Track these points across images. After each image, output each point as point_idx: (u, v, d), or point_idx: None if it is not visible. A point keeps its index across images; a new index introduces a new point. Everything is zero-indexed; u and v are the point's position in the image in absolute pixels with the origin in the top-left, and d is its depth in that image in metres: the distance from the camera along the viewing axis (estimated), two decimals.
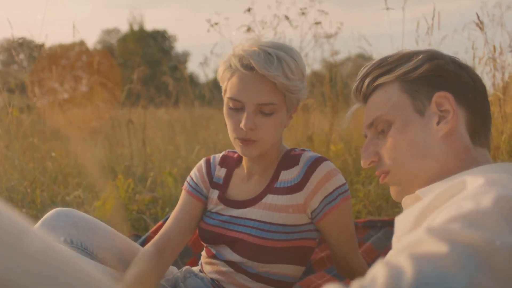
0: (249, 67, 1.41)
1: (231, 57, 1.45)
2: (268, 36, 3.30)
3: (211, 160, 1.72)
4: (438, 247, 0.64)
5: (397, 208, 2.66)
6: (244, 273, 1.51)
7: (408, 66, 1.08)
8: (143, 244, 2.04)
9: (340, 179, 1.48)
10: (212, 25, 3.23)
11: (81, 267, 0.61)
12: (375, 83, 1.14)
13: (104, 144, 4.11)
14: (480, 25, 2.98)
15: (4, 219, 0.55)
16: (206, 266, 1.62)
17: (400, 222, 0.93)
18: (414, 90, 1.07)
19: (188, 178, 1.72)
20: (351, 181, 3.11)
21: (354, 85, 1.21)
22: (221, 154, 1.74)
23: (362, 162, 1.17)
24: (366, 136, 1.19)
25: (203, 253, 1.68)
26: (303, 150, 1.55)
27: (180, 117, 5.68)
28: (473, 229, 0.66)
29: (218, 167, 1.69)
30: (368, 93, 1.17)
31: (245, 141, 1.45)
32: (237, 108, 1.44)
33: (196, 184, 1.68)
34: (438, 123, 1.04)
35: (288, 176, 1.51)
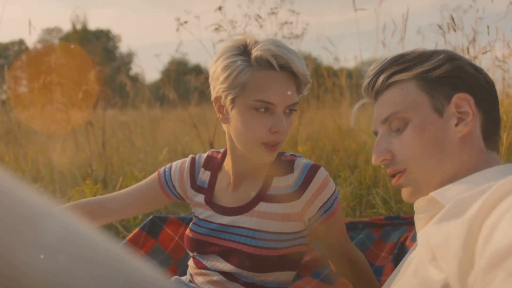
0: (284, 66, 1.34)
1: (253, 54, 1.34)
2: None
3: (196, 161, 1.64)
4: None
5: (374, 209, 2.66)
6: (240, 282, 1.45)
7: (428, 65, 1.06)
8: None
9: (333, 185, 1.46)
10: (181, 24, 3.14)
11: (109, 251, 0.53)
12: (391, 80, 1.11)
13: (63, 147, 3.92)
14: (443, 28, 3.04)
15: (17, 203, 0.46)
16: (197, 277, 1.54)
17: (436, 235, 0.89)
18: (433, 90, 1.05)
19: (167, 167, 1.66)
20: None
21: (366, 80, 1.17)
22: (205, 155, 1.66)
23: (373, 159, 1.13)
24: (376, 133, 1.17)
25: (191, 263, 1.59)
26: (293, 155, 1.51)
27: (136, 119, 5.53)
28: None
29: (202, 169, 1.61)
30: (381, 90, 1.14)
31: (273, 146, 1.37)
32: (265, 110, 1.34)
33: (171, 178, 1.63)
34: (456, 125, 1.03)
35: (282, 183, 1.45)
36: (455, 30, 2.53)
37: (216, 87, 1.40)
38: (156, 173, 1.66)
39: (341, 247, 1.53)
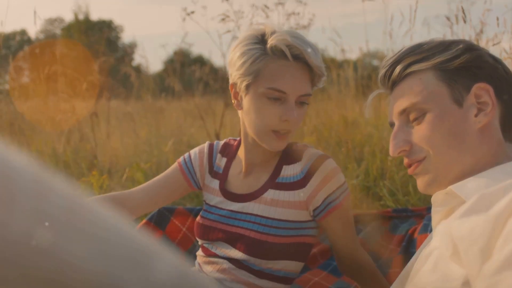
0: (298, 57, 1.36)
1: (268, 43, 1.37)
2: (244, 27, 3.22)
3: (214, 147, 1.67)
4: None
5: (382, 201, 2.65)
6: (248, 270, 1.45)
7: (447, 55, 1.04)
8: None
9: (342, 178, 1.45)
10: (188, 14, 3.13)
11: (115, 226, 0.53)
12: (409, 70, 1.09)
13: (67, 138, 3.91)
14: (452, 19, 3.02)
15: (22, 176, 0.46)
16: (205, 266, 1.54)
17: (459, 229, 0.88)
18: (452, 80, 1.04)
19: (186, 155, 1.68)
20: None
21: (382, 71, 1.15)
22: (222, 142, 1.69)
23: (391, 151, 1.12)
24: (392, 124, 1.15)
25: (199, 253, 1.60)
26: (305, 145, 1.51)
27: (141, 110, 5.52)
28: None
29: (219, 155, 1.64)
30: (398, 80, 1.12)
31: (283, 135, 1.39)
32: (276, 98, 1.37)
33: (192, 165, 1.64)
34: (476, 115, 1.02)
35: (290, 171, 1.47)
36: (465, 22, 2.51)
37: (233, 74, 1.44)
38: (175, 164, 1.68)
39: (346, 247, 1.51)
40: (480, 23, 3.42)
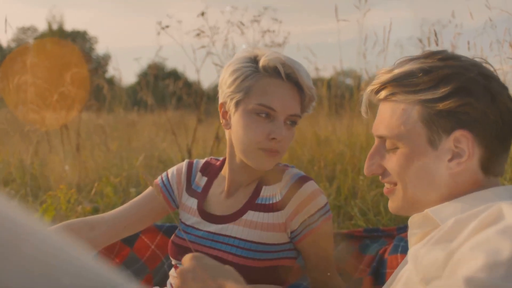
0: (290, 76, 1.38)
1: (261, 62, 1.38)
2: (219, 43, 3.23)
3: (194, 165, 1.64)
4: None
5: (352, 221, 2.65)
6: None
7: (434, 94, 0.99)
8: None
9: (322, 200, 1.43)
10: (163, 28, 3.11)
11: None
12: (394, 98, 1.06)
13: (36, 149, 3.82)
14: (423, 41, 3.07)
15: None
16: None
17: (425, 257, 0.89)
18: (433, 122, 1.00)
19: (164, 174, 1.66)
20: None
21: (371, 87, 1.12)
22: (203, 160, 1.66)
23: (365, 171, 1.12)
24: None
25: (172, 272, 1.56)
26: (286, 166, 1.50)
27: (113, 122, 5.45)
28: None
29: (199, 174, 1.61)
30: (384, 100, 1.10)
31: (272, 152, 1.38)
32: (265, 115, 1.37)
33: (169, 183, 1.62)
34: (450, 160, 1.00)
35: (269, 192, 1.45)
36: (437, 44, 2.55)
37: (223, 92, 1.43)
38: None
39: (321, 274, 1.48)
40: (451, 46, 3.50)
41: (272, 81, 1.37)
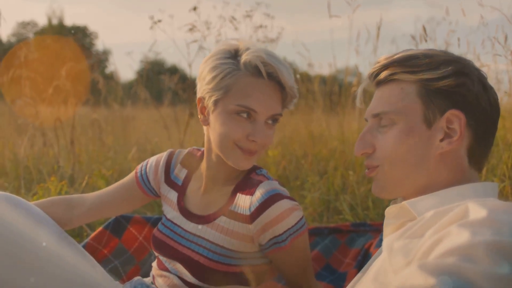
0: (272, 75, 1.34)
1: (242, 58, 1.34)
2: (211, 37, 3.24)
3: (174, 156, 1.63)
4: (426, 281, 0.67)
5: (341, 215, 2.68)
6: None
7: (434, 74, 1.04)
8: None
9: (292, 219, 1.35)
10: (155, 22, 3.12)
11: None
12: (394, 77, 1.10)
13: (30, 143, 3.84)
14: (418, 38, 3.08)
15: None
16: (158, 279, 1.52)
17: (400, 250, 0.91)
18: (430, 99, 1.05)
19: (144, 163, 1.65)
20: (290, 188, 3.10)
21: (371, 70, 1.16)
22: (186, 151, 1.64)
23: (355, 150, 1.15)
24: (366, 120, 1.17)
25: (154, 264, 1.58)
26: (263, 177, 1.43)
27: (108, 117, 5.46)
28: (467, 262, 0.68)
29: (179, 165, 1.60)
30: (382, 82, 1.14)
31: (251, 153, 1.37)
32: (246, 116, 1.34)
33: (146, 173, 1.62)
34: (441, 140, 1.04)
35: (242, 202, 1.40)
36: (426, 41, 2.57)
37: (202, 88, 1.39)
38: (133, 171, 1.65)
39: (295, 282, 1.48)
40: (445, 43, 3.52)
41: (253, 80, 1.33)
